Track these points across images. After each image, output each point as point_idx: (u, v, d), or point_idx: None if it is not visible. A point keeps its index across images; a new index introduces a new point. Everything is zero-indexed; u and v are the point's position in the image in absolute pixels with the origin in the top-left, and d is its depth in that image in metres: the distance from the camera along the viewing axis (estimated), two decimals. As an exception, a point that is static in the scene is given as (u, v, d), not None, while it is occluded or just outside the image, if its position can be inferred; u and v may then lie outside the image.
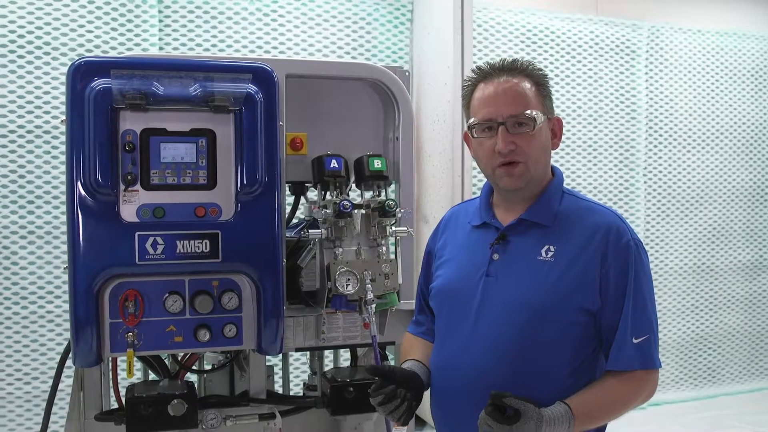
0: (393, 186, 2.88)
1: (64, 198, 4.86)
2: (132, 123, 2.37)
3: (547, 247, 1.97)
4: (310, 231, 2.67)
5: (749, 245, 7.10)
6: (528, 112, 1.94)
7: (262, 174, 2.44)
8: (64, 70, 4.73)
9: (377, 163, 2.73)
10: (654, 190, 6.70)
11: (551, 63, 6.27)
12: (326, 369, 2.98)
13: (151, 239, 2.37)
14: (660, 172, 6.72)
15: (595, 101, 6.43)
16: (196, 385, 2.72)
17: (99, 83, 2.31)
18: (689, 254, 6.85)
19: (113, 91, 2.29)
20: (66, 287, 4.86)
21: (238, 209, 2.45)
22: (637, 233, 6.04)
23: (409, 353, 2.29)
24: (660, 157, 6.71)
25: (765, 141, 7.12)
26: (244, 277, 2.50)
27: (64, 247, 4.92)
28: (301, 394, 3.04)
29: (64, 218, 4.86)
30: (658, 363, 1.97)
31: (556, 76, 6.29)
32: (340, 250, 2.66)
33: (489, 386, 1.88)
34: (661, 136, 6.70)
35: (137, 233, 2.36)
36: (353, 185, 2.88)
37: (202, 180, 2.44)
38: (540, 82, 2.03)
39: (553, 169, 2.11)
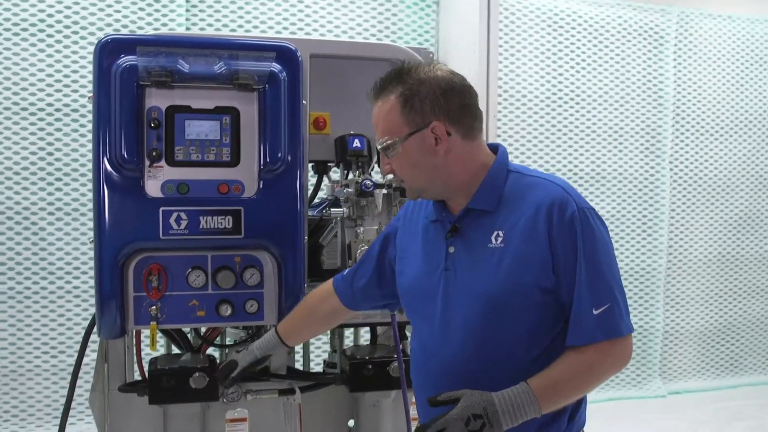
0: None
1: (90, 175, 4.95)
2: (157, 100, 2.41)
3: (496, 233, 1.93)
4: (332, 210, 2.69)
5: (775, 235, 7.03)
6: (383, 139, 1.96)
7: (284, 152, 2.47)
8: (92, 49, 4.84)
9: (400, 143, 2.74)
10: (680, 177, 6.65)
11: (578, 48, 6.23)
12: (346, 347, 3.00)
13: (174, 214, 2.41)
14: (686, 159, 6.66)
15: (622, 87, 6.38)
16: (217, 359, 2.77)
17: (125, 60, 2.35)
18: (714, 243, 6.80)
19: (139, 68, 2.32)
20: (91, 263, 4.96)
21: (261, 186, 2.48)
22: (662, 221, 6.00)
23: (296, 314, 2.45)
24: (686, 145, 6.65)
25: (793, 130, 7.03)
26: (266, 253, 2.53)
27: (91, 224, 4.99)
28: (321, 371, 3.08)
29: (90, 195, 4.94)
30: (626, 329, 1.90)
31: (583, 61, 6.25)
32: (362, 229, 2.68)
33: (460, 380, 1.90)
34: (688, 123, 6.64)
35: (161, 208, 2.40)
36: (375, 165, 2.89)
37: (226, 157, 2.47)
38: (406, 95, 1.92)
39: (497, 147, 2.05)
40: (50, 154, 4.96)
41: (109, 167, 2.35)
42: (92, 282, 4.98)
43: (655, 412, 6.13)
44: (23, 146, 4.90)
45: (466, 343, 1.94)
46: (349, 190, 2.68)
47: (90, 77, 4.85)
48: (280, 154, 2.47)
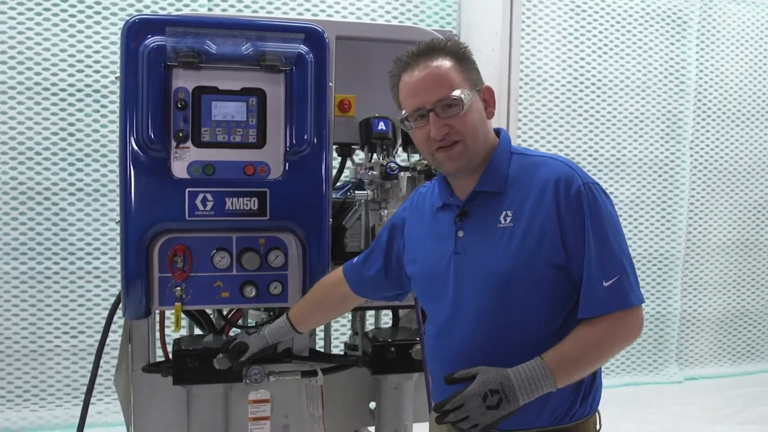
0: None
1: (112, 156, 4.98)
2: (184, 81, 2.40)
3: (504, 213, 1.95)
4: (356, 192, 2.69)
5: (795, 222, 6.98)
6: (454, 93, 1.92)
7: (311, 134, 2.47)
8: (114, 29, 4.85)
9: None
10: (700, 163, 6.60)
11: (600, 32, 6.19)
12: (367, 329, 3.01)
13: (201, 196, 2.41)
14: (707, 145, 6.62)
15: (644, 72, 6.33)
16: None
17: (153, 41, 2.34)
18: (733, 229, 6.76)
19: (167, 48, 2.32)
20: (112, 243, 5.00)
21: (287, 168, 2.48)
22: (681, 206, 5.98)
23: (308, 300, 2.48)
24: (707, 131, 6.60)
25: (815, 116, 6.96)
26: (290, 235, 2.54)
27: (112, 205, 5.03)
28: (342, 353, 3.09)
29: (111, 176, 4.99)
30: (637, 300, 1.91)
31: (605, 45, 6.21)
32: (386, 211, 2.67)
33: (475, 359, 1.91)
34: (709, 109, 6.59)
35: (188, 189, 2.40)
36: (399, 148, 2.89)
37: (252, 138, 2.47)
38: (461, 57, 1.98)
39: (499, 131, 2.08)
40: (71, 134, 4.98)
41: (135, 148, 2.35)
42: (112, 263, 5.07)
43: (672, 398, 6.12)
44: (45, 126, 4.92)
45: (480, 323, 1.96)
46: (374, 172, 2.67)
47: (111, 57, 4.94)
48: (306, 136, 2.46)
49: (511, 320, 1.94)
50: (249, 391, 2.68)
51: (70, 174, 5.00)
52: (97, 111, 5.01)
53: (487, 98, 2.03)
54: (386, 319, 3.41)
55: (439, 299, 2.06)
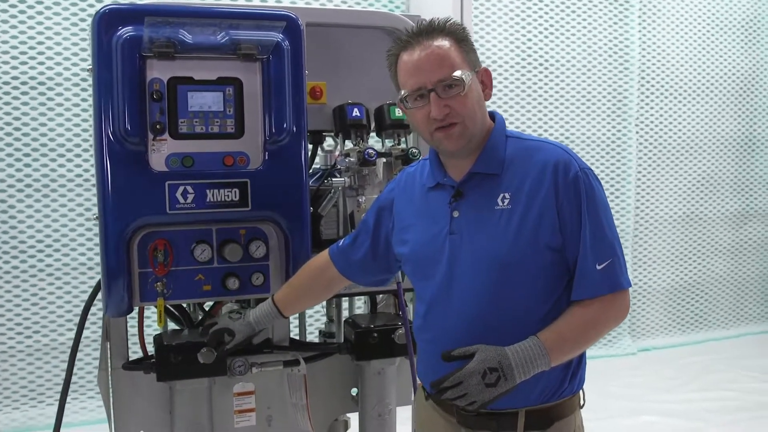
0: (411, 134, 2.89)
1: (60, 150, 4.85)
2: (159, 71, 2.35)
3: (502, 195, 1.97)
4: (333, 179, 2.68)
5: (737, 194, 7.22)
6: (455, 73, 1.92)
7: (290, 123, 2.44)
8: (58, 20, 4.72)
9: (398, 112, 2.73)
10: (646, 140, 6.77)
11: (546, 14, 6.27)
12: (344, 317, 3.01)
13: (181, 188, 2.36)
14: (652, 122, 6.78)
15: (589, 52, 6.45)
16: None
17: (126, 31, 2.28)
18: (679, 203, 6.96)
19: (144, 38, 2.26)
20: (64, 240, 4.89)
21: (266, 158, 2.45)
22: (629, 183, 6.14)
23: (294, 284, 2.44)
24: (652, 108, 6.77)
25: (754, 92, 7.19)
26: (271, 225, 2.51)
27: (62, 200, 4.91)
28: (319, 341, 3.08)
29: (61, 171, 4.86)
30: (626, 283, 1.96)
31: (551, 26, 6.29)
32: (363, 198, 2.67)
33: (470, 338, 1.93)
34: (653, 86, 6.75)
35: (167, 182, 2.35)
36: (373, 134, 2.88)
37: (230, 129, 2.43)
38: (461, 38, 1.99)
39: (493, 115, 2.10)
40: (17, 129, 4.83)
41: (112, 141, 2.29)
42: (65, 260, 4.96)
43: (626, 369, 6.29)
44: (-10, 121, 4.78)
45: (475, 303, 1.98)
46: (351, 159, 2.67)
47: (56, 49, 4.82)
48: (285, 125, 2.44)
49: (506, 300, 1.96)
50: (232, 383, 2.65)
51: (18, 170, 4.86)
52: (44, 104, 4.88)
53: (485, 80, 2.04)
54: (359, 304, 3.42)
55: (431, 279, 2.07)
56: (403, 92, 1.99)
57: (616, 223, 6.45)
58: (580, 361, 2.08)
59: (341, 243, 2.42)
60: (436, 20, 1.99)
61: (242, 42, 2.37)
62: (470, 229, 2.00)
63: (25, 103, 4.83)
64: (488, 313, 1.97)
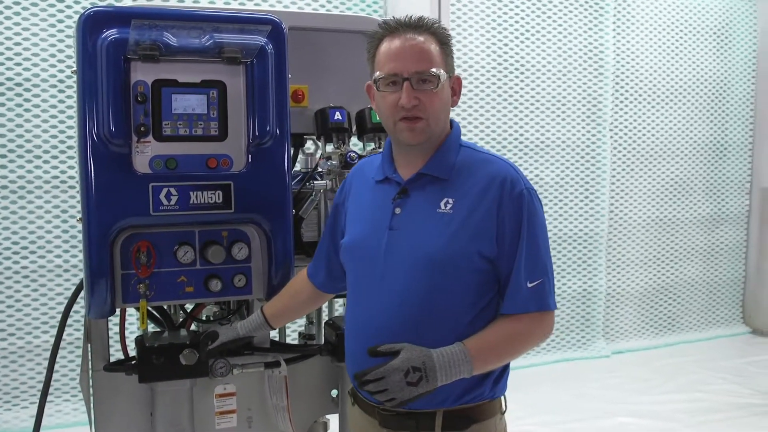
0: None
1: (37, 152, 4.81)
2: (143, 74, 2.36)
3: (446, 200, 2.03)
4: (315, 182, 2.70)
5: (709, 198, 7.32)
6: (433, 69, 1.98)
7: (273, 126, 2.46)
8: (35, 20, 4.69)
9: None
10: (620, 144, 6.85)
11: (521, 18, 6.32)
12: (324, 319, 3.03)
13: (165, 190, 2.37)
14: (626, 127, 6.87)
15: (564, 57, 6.51)
16: (202, 335, 2.75)
17: (110, 33, 2.29)
18: (652, 207, 7.05)
19: (129, 41, 2.27)
20: (40, 242, 4.86)
21: (249, 161, 2.47)
22: (603, 187, 6.23)
23: (282, 296, 2.49)
24: (626, 113, 6.85)
25: (726, 97, 7.31)
26: (253, 227, 2.53)
27: (39, 202, 4.88)
28: (300, 343, 3.09)
29: (37, 172, 4.83)
30: (553, 305, 2.05)
31: (527, 31, 6.35)
32: (345, 200, 2.69)
33: (396, 337, 1.98)
34: (627, 91, 6.83)
35: (151, 184, 2.36)
36: (354, 137, 2.91)
37: (214, 131, 2.44)
38: (444, 41, 2.06)
39: (451, 122, 2.17)
40: (-8, 130, 4.79)
41: (96, 143, 2.30)
42: (41, 261, 4.93)
43: (600, 372, 6.35)
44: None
45: (405, 303, 2.02)
46: (333, 162, 2.69)
47: (33, 50, 4.79)
48: (268, 128, 2.45)
49: (435, 302, 2.01)
50: (214, 385, 2.66)
51: (-10, 172, 4.82)
52: (20, 105, 4.84)
53: (455, 87, 2.11)
54: (338, 306, 3.44)
55: (366, 272, 2.11)
56: (378, 74, 2.03)
57: (590, 227, 6.62)
58: (505, 368, 2.14)
59: (312, 262, 2.48)
60: (426, 18, 2.06)
61: (226, 45, 2.39)
62: (409, 227, 2.05)
63: (1, 104, 4.78)
64: (415, 311, 2.02)
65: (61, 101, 4.90)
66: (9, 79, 4.79)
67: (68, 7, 4.84)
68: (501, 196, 1.99)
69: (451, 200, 2.02)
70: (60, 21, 4.84)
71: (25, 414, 4.90)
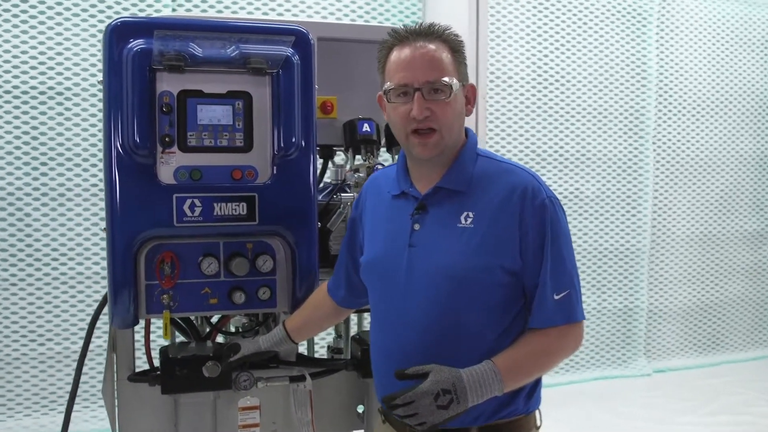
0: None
1: (77, 160, 4.88)
2: (169, 84, 2.36)
3: (465, 213, 1.97)
4: (342, 195, 2.67)
5: (755, 214, 7.14)
6: (445, 79, 1.92)
7: (298, 137, 2.44)
8: (77, 30, 4.76)
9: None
10: (663, 158, 6.72)
11: (563, 30, 6.24)
12: (352, 332, 2.99)
13: (188, 201, 2.36)
14: (669, 140, 6.73)
15: (606, 68, 6.42)
16: (227, 347, 2.73)
17: (136, 44, 2.29)
18: (696, 222, 6.89)
19: (154, 51, 2.27)
20: (79, 249, 4.91)
21: (274, 172, 2.45)
22: (646, 201, 6.11)
23: (303, 310, 2.47)
24: (670, 125, 6.72)
25: (774, 110, 7.13)
26: (278, 239, 2.51)
27: (78, 209, 4.94)
28: (326, 356, 3.06)
29: (77, 180, 4.89)
30: (581, 316, 1.99)
31: (568, 42, 6.27)
32: (371, 214, 2.66)
33: (421, 357, 1.93)
34: (671, 104, 6.70)
35: (175, 195, 2.35)
36: (383, 149, 2.88)
37: (239, 142, 2.43)
38: (456, 48, 2.00)
39: (467, 131, 2.10)
40: (35, 138, 4.87)
41: (121, 154, 2.30)
42: (79, 268, 4.98)
43: (641, 391, 6.22)
44: (7, 131, 4.82)
45: (429, 321, 1.97)
46: (360, 174, 2.66)
47: (74, 59, 4.86)
48: (294, 139, 2.43)
49: (460, 320, 1.96)
50: (237, 398, 2.64)
51: (34, 179, 4.89)
52: (61, 114, 4.91)
53: (470, 96, 2.05)
54: (367, 322, 3.40)
55: (388, 291, 2.07)
56: (388, 84, 1.99)
57: (632, 242, 6.49)
58: (537, 381, 2.09)
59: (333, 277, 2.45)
60: (437, 25, 2.00)
61: (252, 56, 2.38)
62: (429, 244, 1.99)
63: (42, 113, 4.86)
64: (441, 329, 1.96)
65: (101, 110, 4.94)
66: (50, 88, 4.87)
67: (109, 18, 4.90)
68: (523, 208, 1.93)
69: (471, 214, 1.96)
70: (100, 31, 4.90)
71: (61, 419, 4.91)
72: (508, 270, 1.93)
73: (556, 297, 1.94)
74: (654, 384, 6.41)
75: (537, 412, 2.11)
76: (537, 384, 2.08)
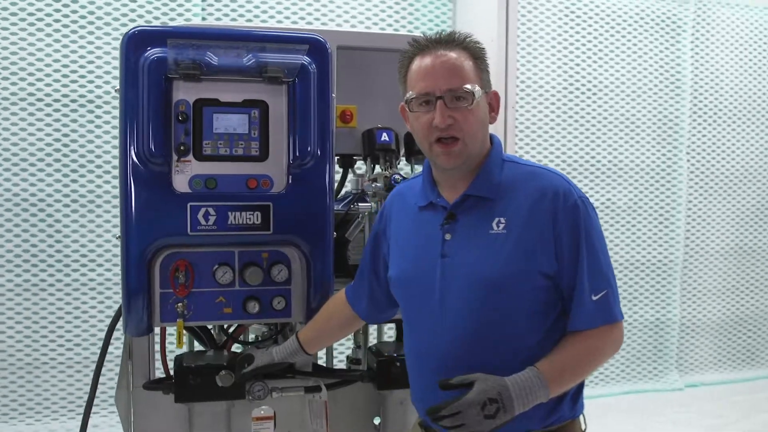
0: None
1: (107, 167, 4.93)
2: (185, 93, 2.36)
3: (497, 219, 1.95)
4: (359, 204, 2.65)
5: (793, 226, 6.98)
6: (467, 86, 1.91)
7: (314, 146, 2.43)
8: (108, 39, 4.81)
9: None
10: (697, 168, 6.60)
11: (594, 38, 6.18)
12: (371, 343, 2.97)
13: (203, 210, 2.36)
14: (704, 150, 6.61)
15: (639, 77, 6.33)
16: (243, 356, 2.73)
17: (153, 53, 2.30)
18: (731, 234, 6.76)
19: (169, 60, 2.28)
20: (108, 255, 4.95)
21: (290, 181, 2.44)
22: (679, 212, 5.99)
23: (315, 322, 2.44)
24: (704, 135, 6.60)
25: (811, 120, 6.97)
26: (293, 249, 2.49)
27: (107, 216, 4.98)
28: (345, 367, 3.04)
29: (106, 187, 4.93)
30: (620, 316, 1.97)
31: (600, 51, 6.20)
32: (389, 224, 2.64)
33: (463, 366, 1.90)
34: (705, 113, 6.59)
35: (190, 204, 2.35)
36: (402, 159, 2.86)
37: (255, 151, 2.42)
38: (477, 55, 1.98)
39: (492, 137, 2.08)
40: (66, 145, 4.92)
41: (136, 162, 2.31)
42: (108, 274, 5.02)
43: (673, 405, 6.10)
44: (39, 137, 4.88)
45: (468, 330, 1.95)
46: (378, 184, 2.64)
47: (105, 67, 4.90)
48: (309, 149, 2.42)
49: (499, 327, 1.94)
50: (252, 407, 2.63)
51: (65, 185, 4.95)
52: (92, 121, 4.96)
53: (493, 103, 2.04)
54: (388, 332, 3.38)
55: (422, 303, 2.04)
56: (410, 93, 1.97)
57: (664, 253, 6.39)
58: (580, 385, 2.06)
59: (353, 283, 2.43)
60: (458, 33, 1.99)
61: (268, 65, 2.37)
62: (463, 253, 1.97)
63: (73, 120, 4.92)
64: (482, 337, 1.94)
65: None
66: (82, 96, 4.92)
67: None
68: (555, 210, 1.91)
69: (503, 219, 1.95)
70: (131, 39, 4.96)
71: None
72: (545, 274, 1.92)
73: (594, 298, 1.92)
74: (686, 399, 6.28)
75: (581, 416, 2.09)
76: (580, 388, 2.06)
